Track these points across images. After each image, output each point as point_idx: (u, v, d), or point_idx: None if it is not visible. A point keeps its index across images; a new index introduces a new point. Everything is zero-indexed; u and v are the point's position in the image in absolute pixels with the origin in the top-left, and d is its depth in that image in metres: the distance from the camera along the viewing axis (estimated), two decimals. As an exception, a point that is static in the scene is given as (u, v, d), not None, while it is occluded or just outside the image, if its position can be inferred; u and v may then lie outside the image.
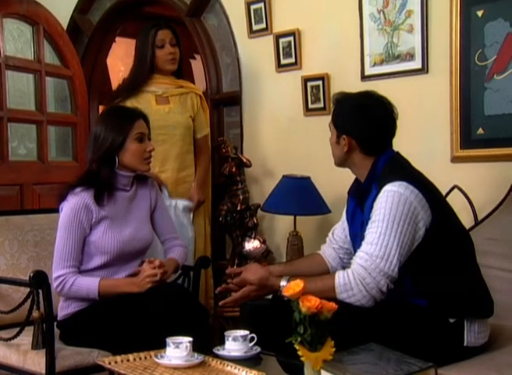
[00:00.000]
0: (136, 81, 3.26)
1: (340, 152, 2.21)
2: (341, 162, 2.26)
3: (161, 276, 2.36)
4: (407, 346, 1.84)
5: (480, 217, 2.71)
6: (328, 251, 2.42)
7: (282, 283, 2.13)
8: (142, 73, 3.25)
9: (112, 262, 2.42)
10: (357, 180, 2.29)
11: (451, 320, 2.05)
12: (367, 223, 2.10)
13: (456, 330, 2.05)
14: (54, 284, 2.35)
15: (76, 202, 2.37)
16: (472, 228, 2.67)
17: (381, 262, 1.99)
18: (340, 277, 2.04)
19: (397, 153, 2.22)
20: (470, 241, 2.16)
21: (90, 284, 2.34)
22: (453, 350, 2.04)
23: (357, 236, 2.25)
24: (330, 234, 2.44)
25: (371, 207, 2.09)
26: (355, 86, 3.17)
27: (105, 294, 2.35)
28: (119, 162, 2.42)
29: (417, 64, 2.96)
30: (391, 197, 2.02)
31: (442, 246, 2.04)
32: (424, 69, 2.95)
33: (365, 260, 2.01)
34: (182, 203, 3.25)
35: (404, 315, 2.04)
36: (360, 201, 2.23)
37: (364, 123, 2.16)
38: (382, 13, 3.06)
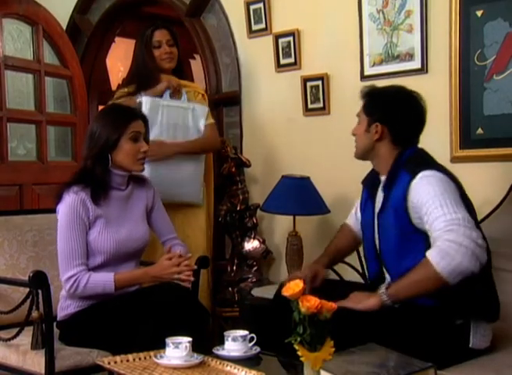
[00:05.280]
0: (139, 79, 3.25)
1: (369, 141, 2.24)
2: (365, 153, 2.28)
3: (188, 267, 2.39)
4: (412, 346, 1.84)
5: (480, 217, 2.70)
6: (352, 220, 2.51)
7: (381, 290, 2.07)
8: (142, 71, 3.25)
9: (109, 262, 2.41)
10: (372, 172, 2.32)
11: (458, 322, 2.05)
12: (390, 215, 2.12)
13: (461, 331, 2.05)
14: (66, 285, 2.33)
15: (72, 200, 2.36)
16: (472, 228, 2.68)
17: (460, 221, 1.96)
18: (431, 251, 1.98)
19: (422, 149, 2.27)
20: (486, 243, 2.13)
21: (106, 280, 2.33)
22: (458, 351, 2.03)
23: (367, 225, 2.28)
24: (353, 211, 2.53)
25: (404, 195, 2.09)
26: (355, 86, 3.17)
27: (121, 288, 2.35)
28: (112, 161, 2.41)
29: (416, 64, 2.96)
30: (433, 179, 2.06)
31: None
32: (423, 69, 2.95)
33: (445, 228, 1.97)
34: (198, 107, 3.24)
35: (410, 315, 2.03)
36: (372, 193, 2.27)
37: (404, 113, 2.22)
38: (381, 13, 3.06)
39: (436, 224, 2.00)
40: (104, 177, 2.42)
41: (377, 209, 2.23)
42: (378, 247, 2.25)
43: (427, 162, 2.17)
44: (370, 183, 2.33)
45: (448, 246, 1.94)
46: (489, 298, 2.10)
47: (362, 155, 2.30)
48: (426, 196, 2.04)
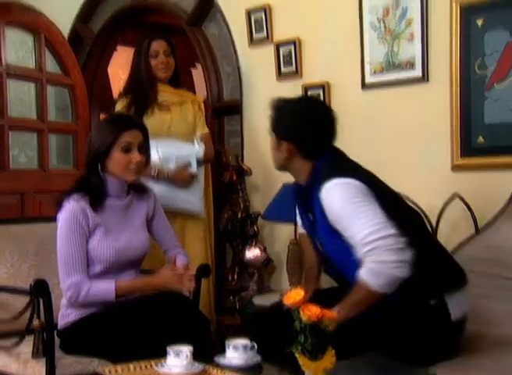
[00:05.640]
0: (136, 88, 3.28)
1: (281, 158, 2.24)
2: (281, 167, 2.30)
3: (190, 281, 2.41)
4: (403, 343, 1.90)
5: (481, 225, 2.71)
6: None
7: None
8: (139, 81, 3.27)
9: (109, 271, 2.41)
10: (296, 183, 2.32)
11: (432, 302, 2.05)
12: (320, 226, 2.13)
13: (440, 309, 2.05)
14: (67, 294, 2.33)
15: (72, 207, 2.36)
16: (473, 236, 2.68)
17: (376, 235, 1.99)
18: (362, 272, 2.01)
19: (335, 151, 2.25)
20: (421, 219, 2.23)
21: (106, 288, 2.33)
22: (444, 329, 2.05)
23: (313, 236, 2.28)
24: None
25: (321, 211, 2.10)
26: (356, 94, 3.21)
27: (122, 296, 2.35)
28: (102, 169, 2.41)
29: (417, 73, 2.97)
30: (338, 190, 2.06)
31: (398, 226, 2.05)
32: (424, 78, 2.95)
33: (365, 248, 2.00)
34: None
35: (391, 313, 2.04)
36: (303, 203, 2.26)
37: (302, 130, 2.18)
38: (382, 22, 3.07)
39: (357, 242, 2.03)
40: (99, 185, 2.42)
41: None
42: (326, 255, 2.26)
43: (336, 169, 2.14)
44: (299, 196, 2.30)
45: (376, 266, 1.99)
46: (447, 266, 2.11)
47: (279, 168, 2.32)
48: (337, 210, 2.06)
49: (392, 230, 2.01)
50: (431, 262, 2.07)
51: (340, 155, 2.25)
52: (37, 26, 3.82)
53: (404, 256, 1.99)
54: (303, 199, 2.25)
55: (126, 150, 2.40)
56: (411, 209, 2.27)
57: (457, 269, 2.14)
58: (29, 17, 3.78)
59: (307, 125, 2.18)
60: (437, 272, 2.07)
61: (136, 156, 2.41)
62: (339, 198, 2.05)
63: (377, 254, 1.99)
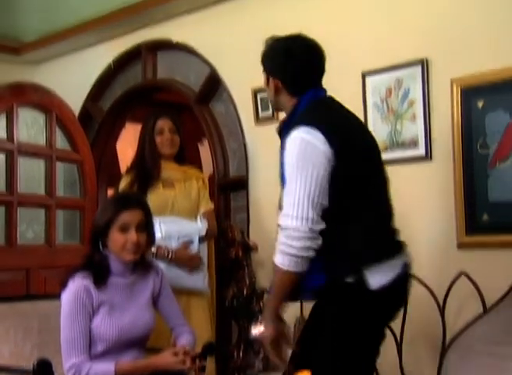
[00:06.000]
0: (140, 165, 3.34)
1: (271, 94, 2.29)
2: (275, 104, 2.34)
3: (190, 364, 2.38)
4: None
5: (488, 304, 2.69)
6: None
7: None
8: (143, 158, 3.34)
9: (111, 350, 2.38)
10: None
11: (350, 280, 2.04)
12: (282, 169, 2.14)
13: (357, 285, 2.04)
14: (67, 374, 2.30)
15: (76, 287, 2.36)
16: (481, 316, 2.65)
17: (292, 219, 2.00)
18: (275, 256, 2.06)
19: (323, 96, 2.24)
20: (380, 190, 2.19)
21: (106, 370, 2.30)
22: (362, 303, 2.05)
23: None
24: None
25: (283, 155, 2.11)
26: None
27: None
28: (103, 247, 2.43)
29: (420, 151, 3.00)
30: (293, 143, 2.05)
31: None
32: (427, 156, 2.99)
33: (281, 222, 2.04)
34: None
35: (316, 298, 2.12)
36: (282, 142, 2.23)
37: (284, 65, 2.22)
38: (385, 102, 3.14)
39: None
40: (102, 263, 2.43)
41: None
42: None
43: (309, 115, 2.13)
44: (281, 136, 2.28)
45: (281, 247, 2.02)
46: (369, 242, 2.08)
47: (275, 106, 2.39)
48: (287, 162, 2.06)
49: (309, 214, 1.99)
50: (349, 240, 2.06)
51: (325, 100, 2.25)
52: (49, 105, 3.94)
53: (312, 234, 2.00)
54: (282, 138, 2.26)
55: (124, 230, 2.41)
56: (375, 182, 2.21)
57: (383, 242, 2.13)
58: (43, 97, 3.90)
59: (291, 59, 2.20)
60: (354, 250, 2.06)
61: (132, 236, 2.41)
62: (293, 153, 2.04)
63: (284, 234, 2.01)
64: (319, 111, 2.17)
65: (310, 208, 1.99)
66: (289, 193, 2.03)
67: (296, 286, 2.06)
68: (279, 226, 2.05)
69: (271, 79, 2.25)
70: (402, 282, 2.14)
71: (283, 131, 2.17)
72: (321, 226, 2.01)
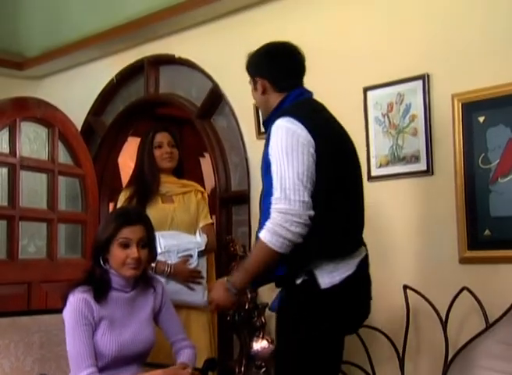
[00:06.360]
0: (139, 180, 3.35)
1: (259, 97, 2.37)
2: (264, 109, 2.39)
3: None
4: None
5: (491, 319, 2.68)
6: None
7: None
8: (142, 172, 3.35)
9: (110, 366, 2.37)
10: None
11: (300, 281, 2.11)
12: (264, 161, 2.24)
13: (308, 283, 2.10)
14: None
15: (76, 300, 2.36)
16: (483, 331, 2.64)
17: (283, 194, 2.08)
18: (262, 232, 2.11)
19: (309, 97, 2.37)
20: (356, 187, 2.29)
21: None
22: (312, 300, 2.11)
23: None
24: None
25: (267, 145, 2.21)
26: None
27: None
28: (105, 262, 2.43)
29: (422, 166, 3.01)
30: (278, 131, 2.14)
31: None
32: (429, 171, 2.99)
33: (272, 205, 2.11)
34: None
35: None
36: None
37: (268, 64, 2.36)
38: (386, 117, 3.15)
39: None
40: (103, 278, 2.42)
41: None
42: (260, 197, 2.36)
43: (294, 108, 2.23)
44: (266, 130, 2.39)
45: (279, 229, 2.07)
46: (316, 240, 2.11)
47: (265, 111, 2.40)
48: (273, 150, 2.14)
49: (305, 197, 2.07)
50: (309, 238, 2.10)
51: (311, 100, 2.36)
52: (51, 119, 3.96)
53: (302, 219, 2.07)
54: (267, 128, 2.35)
55: (124, 246, 2.41)
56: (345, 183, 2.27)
57: (339, 242, 2.16)
58: (45, 112, 3.92)
59: (274, 58, 2.36)
60: (309, 248, 2.10)
61: (133, 252, 2.40)
62: (278, 140, 2.12)
63: (275, 216, 2.08)
64: (304, 107, 2.27)
65: (305, 192, 2.07)
66: (282, 177, 2.09)
67: (272, 267, 2.13)
68: (273, 208, 2.09)
69: (258, 81, 2.36)
70: (357, 281, 2.17)
71: (269, 121, 2.27)
72: (312, 212, 2.09)
